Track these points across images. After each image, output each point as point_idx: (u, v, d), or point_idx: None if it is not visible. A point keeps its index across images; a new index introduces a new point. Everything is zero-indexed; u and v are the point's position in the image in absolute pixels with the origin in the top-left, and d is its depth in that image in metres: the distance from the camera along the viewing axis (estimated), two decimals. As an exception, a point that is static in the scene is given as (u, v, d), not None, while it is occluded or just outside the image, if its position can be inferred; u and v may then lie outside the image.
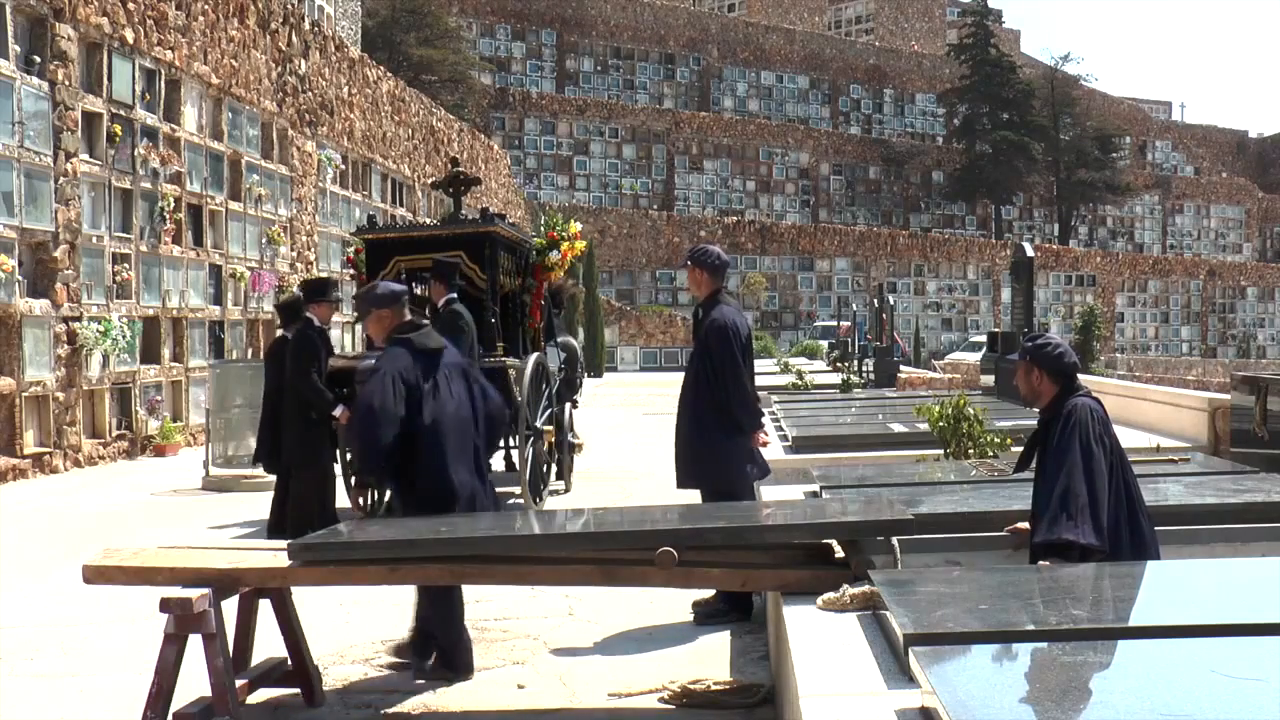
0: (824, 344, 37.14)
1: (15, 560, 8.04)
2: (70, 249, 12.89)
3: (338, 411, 8.40)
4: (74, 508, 10.44)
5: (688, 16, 62.12)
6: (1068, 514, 4.25)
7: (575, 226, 10.85)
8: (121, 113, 13.92)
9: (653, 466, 12.55)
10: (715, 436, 6.27)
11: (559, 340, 11.35)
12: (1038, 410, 4.71)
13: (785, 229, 47.08)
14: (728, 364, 6.22)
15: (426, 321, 5.66)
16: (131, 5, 14.10)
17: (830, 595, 4.07)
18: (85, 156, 13.23)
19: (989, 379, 15.49)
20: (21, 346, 12.07)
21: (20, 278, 12.13)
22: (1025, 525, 4.69)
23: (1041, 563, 4.26)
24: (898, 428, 10.30)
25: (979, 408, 8.68)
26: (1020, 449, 4.92)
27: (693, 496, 6.68)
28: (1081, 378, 4.89)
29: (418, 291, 9.74)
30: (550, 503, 10.05)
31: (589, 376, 22.53)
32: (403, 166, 25.68)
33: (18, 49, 12.18)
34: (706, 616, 6.12)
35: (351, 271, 11.20)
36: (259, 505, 9.57)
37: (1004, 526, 4.95)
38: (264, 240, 17.95)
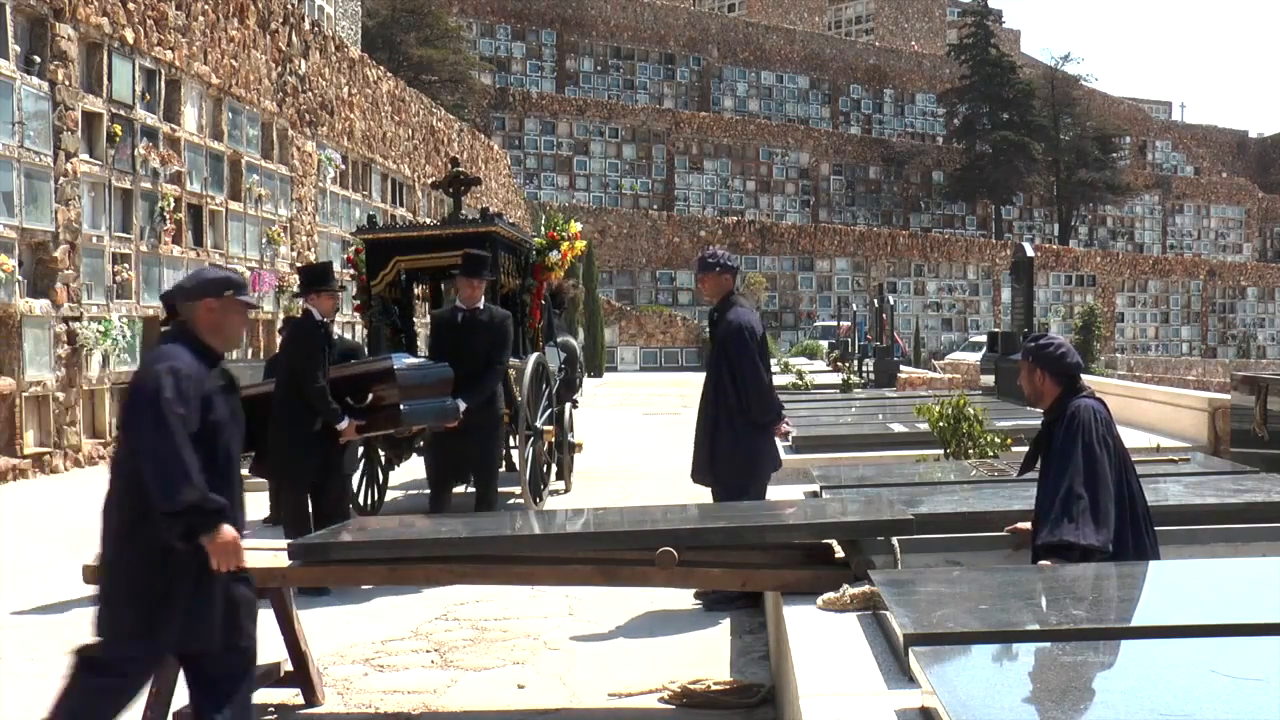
0: (824, 344, 37.12)
1: (15, 560, 8.04)
2: (70, 249, 12.89)
3: (343, 424, 7.38)
4: (74, 508, 10.43)
5: (688, 16, 62.10)
6: (1069, 516, 4.24)
7: (575, 226, 10.85)
8: (121, 113, 13.91)
9: (653, 466, 12.55)
10: (738, 437, 6.38)
11: (559, 340, 11.34)
12: (1041, 411, 4.71)
13: (785, 229, 47.06)
14: (746, 364, 6.37)
15: None
16: (131, 5, 14.10)
17: (830, 595, 4.08)
18: (85, 156, 13.22)
19: (989, 379, 15.50)
20: (21, 346, 12.06)
21: (20, 278, 12.12)
22: (1026, 525, 4.69)
23: (1043, 563, 4.25)
24: (898, 428, 10.30)
25: (979, 408, 8.68)
26: (1020, 449, 4.93)
27: (700, 494, 6.68)
28: (1083, 378, 4.89)
29: (418, 292, 9.65)
30: (550, 503, 10.05)
31: (589, 376, 22.54)
32: (403, 166, 25.67)
33: (18, 49, 12.17)
34: (714, 603, 6.15)
35: (352, 271, 11.19)
36: (259, 505, 9.55)
37: (1004, 526, 4.95)
38: (264, 240, 17.94)
